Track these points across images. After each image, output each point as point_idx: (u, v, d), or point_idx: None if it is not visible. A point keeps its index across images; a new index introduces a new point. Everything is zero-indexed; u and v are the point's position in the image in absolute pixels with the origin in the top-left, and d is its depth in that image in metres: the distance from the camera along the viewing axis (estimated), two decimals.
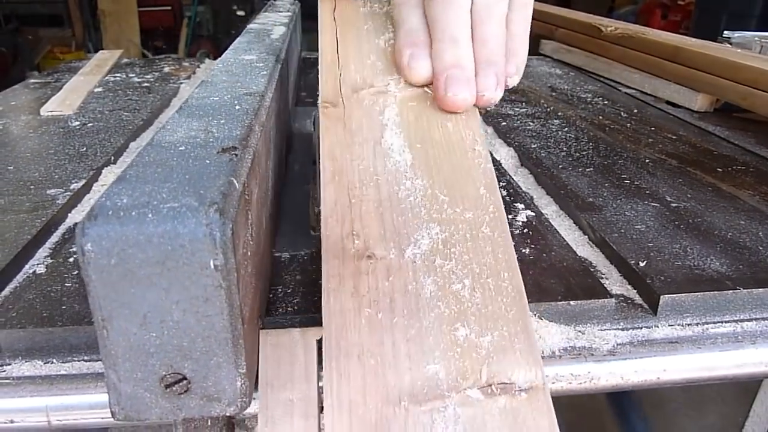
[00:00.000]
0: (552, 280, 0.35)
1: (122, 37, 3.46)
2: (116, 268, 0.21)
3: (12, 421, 0.28)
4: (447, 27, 0.38)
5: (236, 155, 0.26)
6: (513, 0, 0.41)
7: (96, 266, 0.20)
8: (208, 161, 0.25)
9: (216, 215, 0.21)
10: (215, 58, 0.46)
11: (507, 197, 0.47)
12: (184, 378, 0.23)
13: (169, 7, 3.89)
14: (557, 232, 0.41)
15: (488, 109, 0.39)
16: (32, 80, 0.82)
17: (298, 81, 0.80)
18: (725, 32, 0.86)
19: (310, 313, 0.32)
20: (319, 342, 0.29)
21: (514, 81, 0.40)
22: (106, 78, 0.83)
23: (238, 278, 0.22)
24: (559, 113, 0.70)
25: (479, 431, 0.22)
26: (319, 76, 0.41)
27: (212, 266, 0.21)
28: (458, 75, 0.37)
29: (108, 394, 0.23)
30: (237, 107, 0.32)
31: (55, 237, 0.40)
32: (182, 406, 0.23)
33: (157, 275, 0.21)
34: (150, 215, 0.20)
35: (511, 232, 0.40)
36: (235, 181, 0.23)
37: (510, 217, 0.43)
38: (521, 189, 0.49)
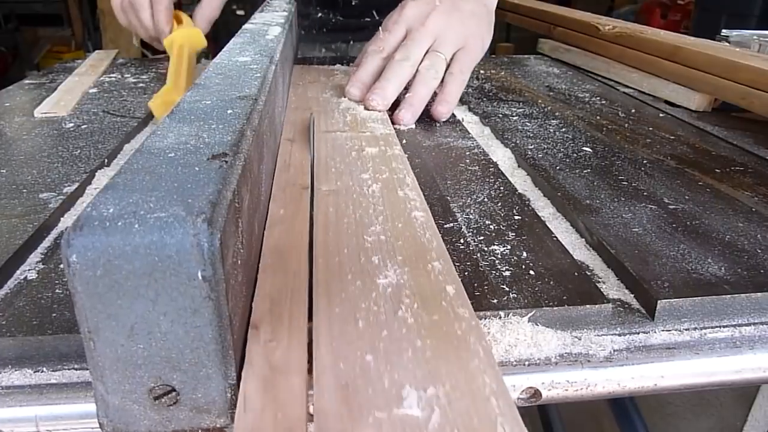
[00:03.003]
0: (548, 285, 0.34)
1: (122, 36, 3.45)
2: (102, 280, 0.20)
3: None
4: (389, 75, 0.62)
5: (226, 162, 0.25)
6: (453, 71, 0.64)
7: (82, 277, 0.20)
8: (197, 168, 0.25)
9: (204, 225, 0.20)
10: (214, 57, 0.46)
11: (504, 198, 0.46)
12: (173, 389, 0.22)
13: None
14: (554, 234, 0.41)
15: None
16: (27, 81, 0.82)
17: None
18: (723, 31, 0.85)
19: None
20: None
21: (444, 116, 0.64)
22: (102, 78, 0.82)
23: (228, 288, 0.22)
24: (557, 113, 0.70)
25: None
26: None
27: (200, 277, 0.20)
28: (378, 92, 0.61)
29: (96, 405, 0.23)
30: (229, 111, 0.32)
31: (47, 242, 0.39)
32: (171, 418, 0.23)
33: (144, 286, 0.20)
34: (136, 225, 0.20)
35: (508, 232, 0.40)
36: (224, 190, 0.23)
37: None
38: (518, 191, 0.48)
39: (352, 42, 1.07)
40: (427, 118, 0.65)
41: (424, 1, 0.66)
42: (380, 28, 0.68)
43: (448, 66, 0.65)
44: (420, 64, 0.63)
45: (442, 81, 0.64)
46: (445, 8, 0.65)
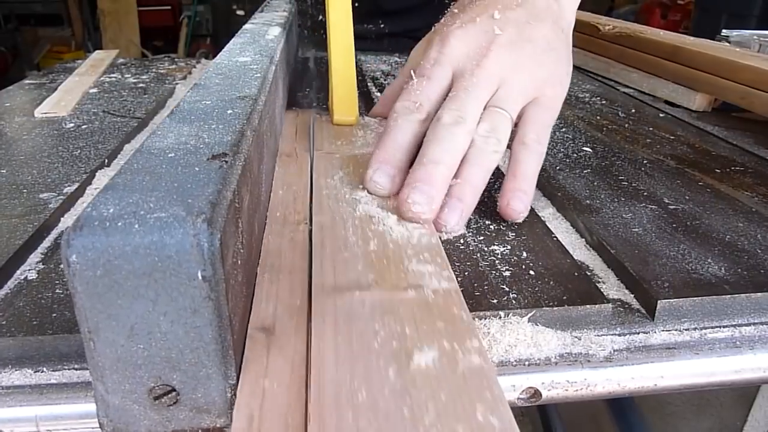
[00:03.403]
0: (548, 285, 0.34)
1: (122, 36, 3.46)
2: (102, 280, 0.20)
3: None
4: (437, 153, 0.39)
5: (226, 162, 0.25)
6: (526, 140, 0.42)
7: (81, 278, 0.20)
8: (197, 168, 0.25)
9: (204, 225, 0.20)
10: (215, 58, 0.46)
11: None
12: (173, 390, 0.22)
13: (168, 7, 3.89)
14: (554, 234, 0.41)
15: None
16: (27, 81, 0.82)
17: (297, 81, 0.79)
18: (723, 31, 0.85)
19: None
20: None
21: (521, 215, 0.41)
22: (102, 78, 0.82)
23: (227, 288, 0.22)
24: None
25: None
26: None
27: (200, 277, 0.20)
28: (423, 188, 0.37)
29: (96, 405, 0.23)
30: (229, 112, 0.32)
31: (47, 242, 0.40)
32: (171, 417, 0.23)
33: (144, 287, 0.20)
34: (136, 226, 0.20)
35: (508, 232, 0.40)
36: (224, 190, 0.23)
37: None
38: None
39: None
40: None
41: (477, 28, 0.44)
42: (410, 70, 0.45)
43: (515, 128, 0.43)
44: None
45: (508, 149, 0.43)
46: (510, 38, 0.43)
